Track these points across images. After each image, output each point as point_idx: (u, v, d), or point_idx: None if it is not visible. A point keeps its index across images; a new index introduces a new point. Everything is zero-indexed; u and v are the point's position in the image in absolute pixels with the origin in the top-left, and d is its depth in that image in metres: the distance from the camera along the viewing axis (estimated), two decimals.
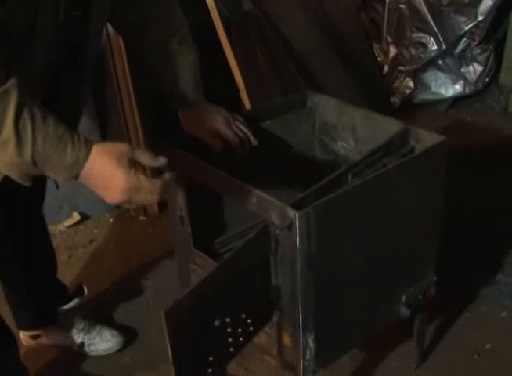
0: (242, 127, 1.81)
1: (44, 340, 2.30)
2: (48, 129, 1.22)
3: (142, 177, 1.27)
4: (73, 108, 1.67)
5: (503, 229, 2.83)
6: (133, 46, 1.84)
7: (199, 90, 1.78)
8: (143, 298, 2.60)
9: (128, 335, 2.36)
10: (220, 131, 1.77)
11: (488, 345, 2.24)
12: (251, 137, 1.82)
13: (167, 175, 1.33)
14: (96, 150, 1.26)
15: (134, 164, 1.27)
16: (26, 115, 1.20)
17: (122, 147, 1.29)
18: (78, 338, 2.30)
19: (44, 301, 2.24)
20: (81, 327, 2.30)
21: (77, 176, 1.27)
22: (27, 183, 1.27)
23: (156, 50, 1.73)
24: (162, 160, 1.32)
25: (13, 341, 2.00)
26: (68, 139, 1.24)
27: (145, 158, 1.30)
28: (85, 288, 2.38)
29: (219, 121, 1.77)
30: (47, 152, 1.22)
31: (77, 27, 1.46)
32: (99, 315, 2.43)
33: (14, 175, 1.26)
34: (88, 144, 1.26)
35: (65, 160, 1.24)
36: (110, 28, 2.79)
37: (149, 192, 1.28)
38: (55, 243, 2.27)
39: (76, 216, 3.12)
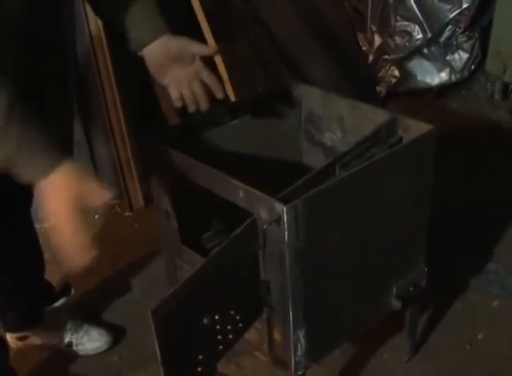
0: (206, 79, 1.68)
1: (31, 341, 2.27)
2: (34, 127, 1.25)
3: (73, 219, 1.26)
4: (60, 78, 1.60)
5: (493, 216, 2.82)
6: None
7: (154, 27, 1.63)
8: (131, 296, 2.57)
9: (117, 334, 2.33)
10: (178, 85, 1.68)
11: (480, 336, 2.23)
12: (203, 98, 1.68)
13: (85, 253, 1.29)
14: (65, 168, 1.28)
15: (79, 201, 1.27)
16: (17, 106, 1.23)
17: (80, 181, 1.29)
18: (66, 337, 2.27)
19: (31, 302, 2.21)
20: (69, 326, 2.27)
21: (36, 180, 1.29)
22: None
23: None
24: (103, 199, 1.30)
25: (2, 344, 1.98)
26: (49, 145, 1.27)
27: (91, 195, 1.29)
28: (72, 287, 2.35)
29: (178, 75, 1.66)
30: (26, 148, 1.25)
31: None
32: (86, 314, 2.40)
33: None
34: (63, 159, 1.28)
35: (36, 163, 1.27)
36: (92, 24, 2.79)
37: (66, 231, 1.26)
38: (40, 241, 2.24)
39: None
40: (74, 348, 2.27)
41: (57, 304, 2.29)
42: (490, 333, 2.24)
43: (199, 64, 1.67)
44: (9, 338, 2.25)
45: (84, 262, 1.27)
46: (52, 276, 2.41)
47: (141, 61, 1.67)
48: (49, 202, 1.28)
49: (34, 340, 2.27)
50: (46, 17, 1.47)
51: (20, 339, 2.26)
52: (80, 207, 1.28)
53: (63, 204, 1.26)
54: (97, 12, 1.75)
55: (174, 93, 1.67)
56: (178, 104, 1.69)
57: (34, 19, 1.40)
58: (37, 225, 2.20)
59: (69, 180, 1.27)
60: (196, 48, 1.65)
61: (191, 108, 1.69)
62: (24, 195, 2.04)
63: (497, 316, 2.32)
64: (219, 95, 1.68)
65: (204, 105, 1.68)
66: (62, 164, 1.27)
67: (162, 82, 1.68)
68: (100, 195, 1.29)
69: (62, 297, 2.32)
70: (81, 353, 2.28)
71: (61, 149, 1.30)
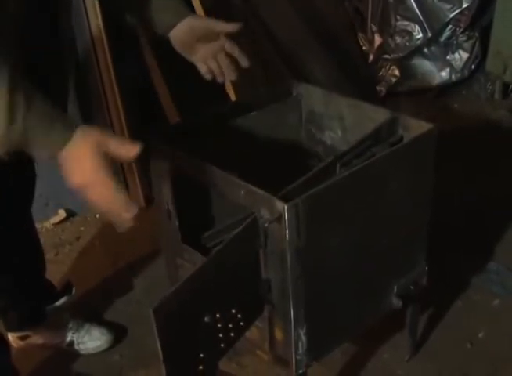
0: (229, 50, 1.75)
1: (33, 340, 2.28)
2: (40, 105, 1.24)
3: (107, 176, 1.26)
4: (58, 78, 1.63)
5: (494, 215, 2.82)
6: None
7: (179, 10, 1.71)
8: (132, 295, 2.58)
9: (118, 333, 2.33)
10: (205, 60, 1.76)
11: (480, 334, 2.23)
12: (230, 68, 1.76)
13: (131, 203, 1.32)
14: (80, 133, 1.26)
15: (108, 158, 1.26)
16: (19, 90, 1.21)
17: (102, 138, 1.27)
18: (67, 336, 2.27)
19: (32, 301, 2.22)
20: (70, 325, 2.27)
21: (56, 154, 1.26)
22: (4, 156, 1.26)
23: None
24: (132, 152, 1.29)
25: (4, 343, 1.98)
26: (58, 117, 1.26)
27: (117, 149, 1.28)
28: (73, 286, 2.36)
29: (205, 51, 1.74)
30: (37, 128, 1.23)
31: None
32: (87, 313, 2.40)
33: None
34: (74, 126, 1.26)
35: (51, 138, 1.24)
36: (93, 25, 2.79)
37: (105, 191, 1.26)
38: (41, 240, 2.24)
39: (62, 213, 3.08)
40: (76, 347, 2.27)
41: (58, 303, 2.30)
42: (491, 332, 2.24)
43: (223, 39, 1.74)
44: (11, 337, 2.25)
45: (132, 215, 1.33)
46: (53, 275, 2.42)
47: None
48: (76, 173, 1.26)
49: (36, 339, 2.27)
50: (44, 18, 1.48)
51: (22, 338, 2.26)
52: (109, 167, 1.26)
53: (91, 169, 1.25)
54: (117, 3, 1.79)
55: (202, 67, 1.76)
56: (208, 77, 1.77)
57: (32, 20, 1.41)
58: (37, 225, 2.21)
59: (89, 145, 1.25)
60: (222, 27, 1.72)
61: (220, 79, 1.78)
62: (24, 195, 2.04)
63: (498, 315, 2.32)
64: (244, 64, 1.75)
65: (232, 75, 1.77)
66: (76, 133, 1.25)
67: (189, 59, 1.76)
68: (126, 149, 1.28)
69: (63, 296, 2.32)
70: (82, 352, 2.28)
71: (70, 119, 1.29)
